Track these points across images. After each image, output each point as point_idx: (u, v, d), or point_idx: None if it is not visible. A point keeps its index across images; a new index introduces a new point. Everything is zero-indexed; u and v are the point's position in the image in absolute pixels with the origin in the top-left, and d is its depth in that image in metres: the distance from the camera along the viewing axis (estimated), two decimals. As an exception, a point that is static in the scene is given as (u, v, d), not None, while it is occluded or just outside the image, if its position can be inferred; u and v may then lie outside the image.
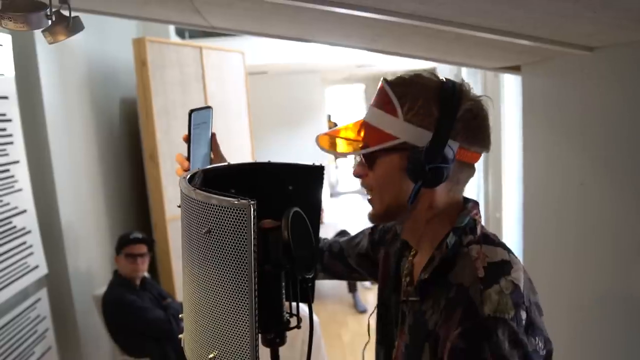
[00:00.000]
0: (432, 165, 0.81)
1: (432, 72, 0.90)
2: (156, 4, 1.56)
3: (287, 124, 7.69)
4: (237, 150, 4.28)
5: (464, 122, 0.84)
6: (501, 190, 3.17)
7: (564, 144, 1.71)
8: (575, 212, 1.65)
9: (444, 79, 0.87)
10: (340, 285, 4.98)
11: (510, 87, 2.98)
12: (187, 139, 1.01)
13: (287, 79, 7.66)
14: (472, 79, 3.48)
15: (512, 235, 3.07)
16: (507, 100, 3.03)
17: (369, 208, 0.95)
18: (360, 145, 0.89)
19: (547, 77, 1.78)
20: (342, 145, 0.93)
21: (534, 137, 1.96)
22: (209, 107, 1.05)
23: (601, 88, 1.46)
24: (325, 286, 5.15)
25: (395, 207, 0.90)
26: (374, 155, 0.88)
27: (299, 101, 7.81)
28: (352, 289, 4.87)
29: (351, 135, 0.93)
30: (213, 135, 1.10)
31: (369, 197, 0.94)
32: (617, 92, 1.38)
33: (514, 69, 1.98)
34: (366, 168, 0.91)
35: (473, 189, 3.76)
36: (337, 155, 0.91)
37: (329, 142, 0.93)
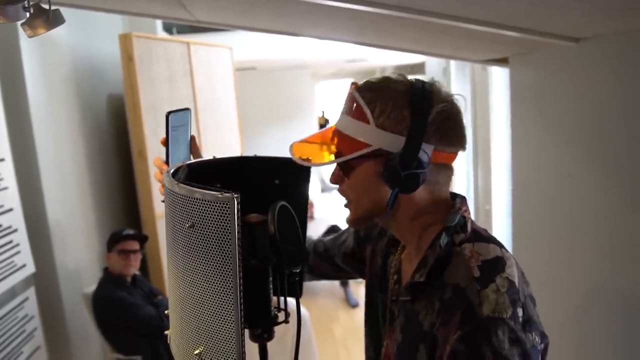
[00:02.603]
0: (407, 172, 0.81)
1: (402, 74, 0.88)
2: (140, -3, 1.54)
3: (277, 120, 7.68)
4: (226, 146, 4.26)
5: (436, 124, 0.83)
6: (490, 182, 3.18)
7: (552, 135, 1.72)
8: (564, 203, 1.65)
9: (414, 81, 0.86)
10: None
11: (499, 79, 2.98)
12: (165, 142, 0.99)
13: (276, 74, 7.64)
14: (461, 72, 3.48)
15: (501, 227, 3.09)
16: (496, 93, 3.04)
17: (346, 213, 0.94)
18: (334, 154, 0.88)
19: (534, 68, 1.78)
20: (316, 153, 0.92)
21: (522, 129, 1.96)
22: (187, 109, 1.03)
23: (587, 79, 1.46)
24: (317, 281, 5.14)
25: (374, 213, 0.89)
26: (348, 163, 0.87)
27: (288, 97, 7.80)
28: (344, 283, 4.87)
29: (325, 142, 0.92)
30: (192, 137, 1.08)
31: (346, 204, 0.93)
32: (604, 83, 1.39)
33: (502, 61, 1.98)
34: (342, 175, 0.90)
35: (463, 182, 3.78)
36: (311, 165, 0.90)
37: (303, 150, 0.91)
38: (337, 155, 0.87)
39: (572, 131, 1.59)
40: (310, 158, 0.89)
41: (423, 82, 0.86)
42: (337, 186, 0.93)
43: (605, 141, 1.42)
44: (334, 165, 0.91)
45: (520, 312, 0.75)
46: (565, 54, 1.51)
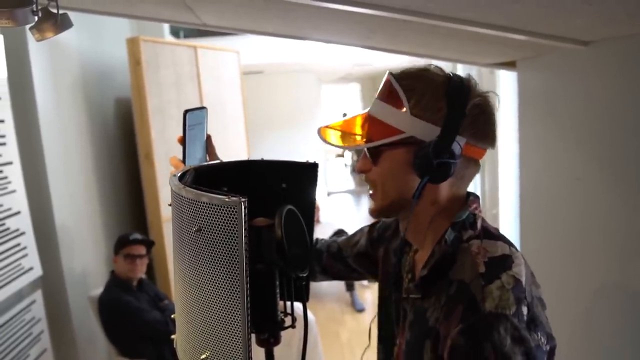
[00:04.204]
0: (439, 161, 0.81)
1: (438, 66, 0.88)
2: (147, 1, 1.54)
3: (283, 123, 7.68)
4: (233, 150, 4.27)
5: (471, 117, 0.83)
6: (497, 186, 3.16)
7: (560, 138, 1.70)
8: (572, 207, 1.64)
9: (451, 74, 0.86)
10: (338, 284, 4.98)
11: (506, 82, 2.97)
12: (182, 141, 0.99)
13: (283, 78, 7.65)
14: (468, 76, 3.47)
15: (509, 232, 3.07)
16: (503, 96, 3.03)
17: (370, 203, 0.94)
18: (364, 140, 0.88)
19: (542, 72, 1.77)
20: (343, 139, 0.92)
21: (530, 133, 1.95)
22: (203, 108, 1.03)
23: (596, 82, 1.45)
24: (323, 285, 5.14)
25: (399, 203, 0.89)
26: (378, 149, 0.87)
27: (295, 101, 7.80)
28: (350, 287, 4.86)
29: (353, 128, 0.92)
30: (208, 136, 1.07)
31: (371, 192, 0.93)
32: (613, 86, 1.38)
33: (509, 65, 1.97)
34: (370, 163, 0.90)
35: (470, 186, 3.76)
36: (342, 148, 0.91)
37: (329, 135, 0.92)
38: (367, 141, 0.87)
39: (580, 135, 1.58)
40: (340, 141, 0.90)
41: (460, 75, 0.86)
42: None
43: (614, 145, 1.40)
44: (352, 157, 0.91)
45: (525, 310, 0.74)
46: (573, 57, 1.50)
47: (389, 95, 0.87)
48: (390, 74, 0.88)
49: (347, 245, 1.20)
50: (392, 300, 1.01)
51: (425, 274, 0.85)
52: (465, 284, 0.78)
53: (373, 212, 0.94)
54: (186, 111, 0.97)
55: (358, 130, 0.91)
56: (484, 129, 0.86)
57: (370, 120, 0.89)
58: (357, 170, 0.94)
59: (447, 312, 0.78)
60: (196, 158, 1.02)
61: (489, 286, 0.75)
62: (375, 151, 0.88)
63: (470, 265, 0.80)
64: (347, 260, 1.19)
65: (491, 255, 0.80)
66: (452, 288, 0.80)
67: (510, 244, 0.85)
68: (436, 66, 0.89)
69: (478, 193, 3.70)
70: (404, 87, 0.85)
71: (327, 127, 0.93)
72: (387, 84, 0.88)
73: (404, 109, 0.84)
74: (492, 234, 0.86)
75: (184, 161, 1.00)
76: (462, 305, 0.76)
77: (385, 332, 1.04)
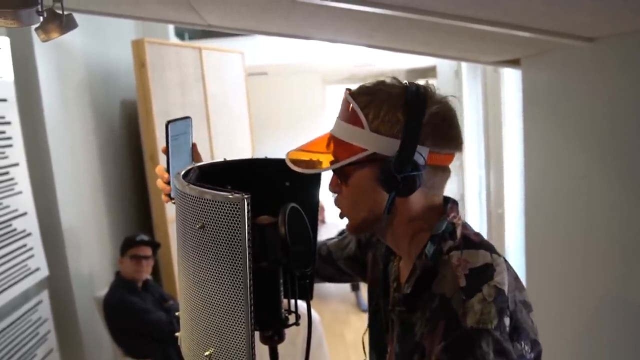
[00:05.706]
0: (403, 175, 0.80)
1: (396, 78, 0.87)
2: (152, 2, 1.55)
3: (288, 124, 7.68)
4: (238, 150, 4.28)
5: (431, 126, 0.82)
6: (503, 185, 3.15)
7: (565, 137, 1.70)
8: (578, 206, 1.63)
9: (408, 84, 0.85)
10: (343, 284, 4.97)
11: (511, 80, 2.96)
12: (166, 151, 1.00)
13: (287, 79, 7.65)
14: (472, 74, 3.46)
15: (514, 231, 3.06)
16: (508, 94, 3.02)
17: (345, 221, 0.92)
18: (330, 160, 0.87)
19: (547, 69, 1.77)
20: (313, 160, 0.90)
21: (535, 131, 1.94)
22: (187, 118, 1.04)
23: (602, 79, 1.44)
24: (328, 285, 5.14)
25: (371, 219, 0.88)
26: (344, 169, 0.86)
27: (299, 101, 7.80)
28: (355, 287, 4.85)
29: (320, 150, 0.90)
30: (194, 145, 1.08)
31: (340, 213, 0.92)
32: (619, 83, 1.37)
33: (514, 63, 1.97)
34: (339, 184, 0.89)
35: (475, 186, 3.75)
36: (307, 172, 0.89)
37: (300, 157, 0.90)
38: (333, 162, 0.86)
39: (586, 133, 1.57)
40: (306, 165, 0.88)
41: (417, 85, 0.85)
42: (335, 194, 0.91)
43: (619, 143, 1.40)
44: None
45: (507, 321, 0.73)
46: (578, 54, 1.50)
47: (347, 113, 0.86)
48: (347, 91, 0.87)
49: (337, 248, 1.20)
50: (381, 306, 1.01)
51: (408, 292, 0.84)
52: (447, 299, 0.77)
53: (350, 230, 0.93)
54: (168, 122, 0.98)
55: (325, 150, 0.90)
56: (446, 136, 0.85)
57: (333, 141, 0.88)
58: (329, 190, 0.92)
59: (430, 327, 0.77)
60: (181, 167, 1.03)
61: (470, 300, 0.74)
62: (342, 171, 0.87)
63: (451, 278, 0.79)
64: (337, 263, 1.19)
65: (472, 267, 0.79)
66: (435, 302, 0.79)
67: (492, 251, 0.83)
68: (393, 77, 0.88)
69: (483, 192, 3.68)
70: (361, 104, 0.84)
71: (296, 150, 0.91)
72: (345, 102, 0.87)
73: (364, 126, 0.83)
74: (473, 242, 0.85)
75: (168, 171, 1.01)
76: (443, 321, 0.75)
77: (377, 338, 1.03)
